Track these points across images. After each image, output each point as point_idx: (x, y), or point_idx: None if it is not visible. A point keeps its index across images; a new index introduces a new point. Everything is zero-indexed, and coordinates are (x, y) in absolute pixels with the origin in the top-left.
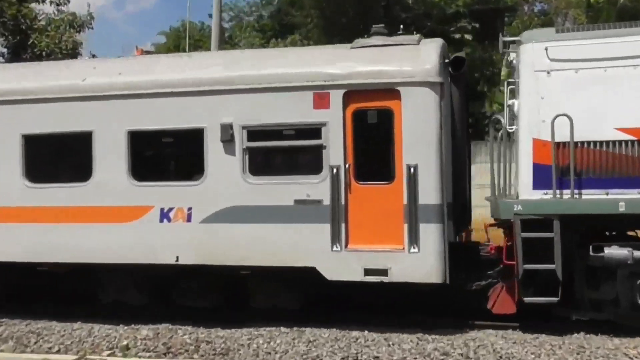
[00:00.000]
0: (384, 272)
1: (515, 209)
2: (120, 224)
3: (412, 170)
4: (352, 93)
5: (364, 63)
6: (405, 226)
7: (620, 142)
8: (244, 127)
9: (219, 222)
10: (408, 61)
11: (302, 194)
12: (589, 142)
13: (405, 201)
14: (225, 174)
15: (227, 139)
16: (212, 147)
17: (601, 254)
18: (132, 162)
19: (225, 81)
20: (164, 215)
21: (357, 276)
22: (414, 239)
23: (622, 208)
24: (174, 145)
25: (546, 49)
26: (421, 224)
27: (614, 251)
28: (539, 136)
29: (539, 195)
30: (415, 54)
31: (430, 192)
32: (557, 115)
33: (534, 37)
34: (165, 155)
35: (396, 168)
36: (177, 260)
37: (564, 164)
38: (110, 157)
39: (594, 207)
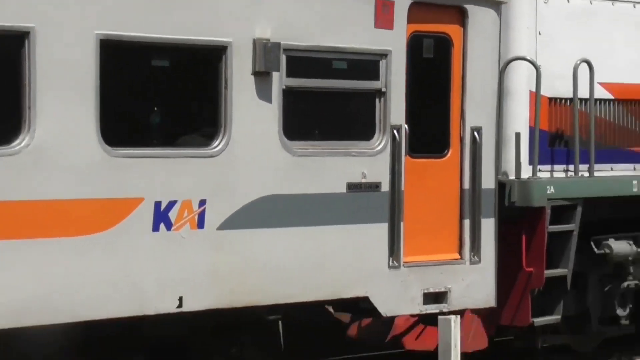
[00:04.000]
0: (442, 297)
1: (548, 192)
2: (78, 237)
3: (476, 135)
4: (416, 7)
5: None
6: (466, 223)
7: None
8: (285, 50)
9: (249, 227)
10: None
11: (356, 174)
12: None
13: (466, 184)
14: (258, 137)
15: (261, 70)
16: (240, 84)
17: (607, 251)
18: (105, 109)
19: None
20: (161, 215)
21: (416, 306)
22: (476, 243)
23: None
24: (173, 75)
25: None
26: (483, 220)
27: (620, 245)
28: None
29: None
30: None
31: (489, 170)
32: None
33: None
34: (163, 97)
35: (451, 133)
36: (179, 304)
37: (562, 129)
38: (64, 94)
39: (620, 188)
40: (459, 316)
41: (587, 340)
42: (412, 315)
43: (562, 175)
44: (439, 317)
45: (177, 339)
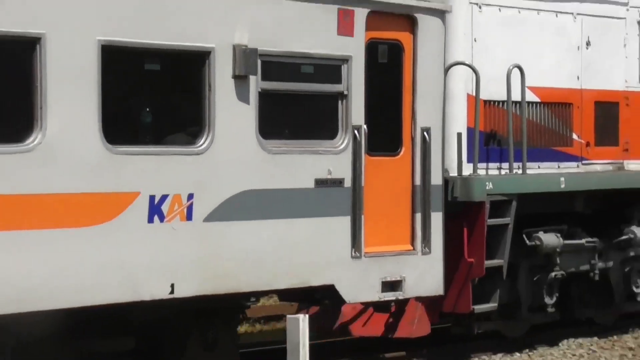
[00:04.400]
0: (398, 285)
1: (487, 188)
2: (80, 229)
3: (425, 135)
4: (373, 15)
5: None
6: (418, 217)
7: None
8: (260, 55)
9: (231, 219)
10: None
11: (323, 170)
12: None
13: (418, 180)
14: (237, 136)
15: (241, 74)
16: (222, 86)
17: (537, 243)
18: (106, 108)
19: None
20: (155, 208)
21: (375, 294)
22: (427, 235)
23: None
24: (163, 78)
25: None
26: (432, 214)
27: (549, 238)
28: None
29: (470, 169)
30: None
31: (437, 168)
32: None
33: None
34: (156, 98)
35: (403, 132)
36: (171, 291)
37: (495, 130)
38: (71, 95)
39: (549, 184)
40: (307, 315)
41: (517, 326)
42: (363, 303)
43: (496, 172)
44: (288, 316)
45: (161, 324)
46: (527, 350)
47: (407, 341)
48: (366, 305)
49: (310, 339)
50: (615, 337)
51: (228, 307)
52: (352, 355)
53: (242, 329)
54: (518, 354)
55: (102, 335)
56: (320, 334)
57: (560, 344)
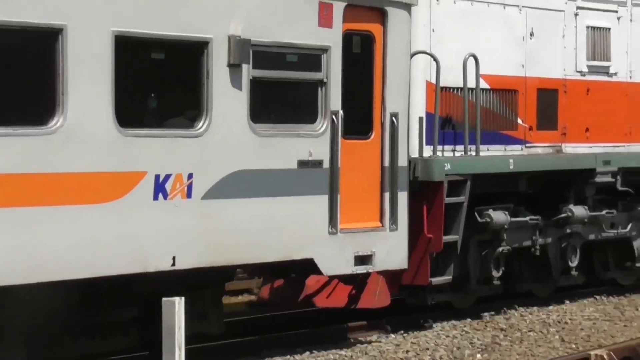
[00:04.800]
0: (368, 260)
1: (446, 168)
2: (94, 205)
3: (394, 120)
4: (348, 8)
5: None
6: (386, 196)
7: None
8: (252, 45)
9: (225, 197)
10: None
11: (305, 152)
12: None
13: (386, 162)
14: (232, 120)
15: (235, 63)
16: (219, 74)
17: (488, 220)
18: (118, 94)
19: None
20: (160, 187)
21: (349, 267)
22: (394, 213)
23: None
24: (169, 66)
25: None
26: (399, 193)
27: (498, 215)
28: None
29: (429, 151)
30: None
31: (403, 151)
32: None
33: None
34: (161, 85)
35: (374, 117)
36: (173, 263)
37: (451, 115)
38: (89, 83)
39: (500, 165)
40: (183, 298)
41: (466, 298)
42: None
43: (450, 154)
44: (163, 299)
45: (157, 296)
46: (402, 331)
47: (368, 311)
48: (339, 277)
49: (274, 310)
50: (487, 317)
51: (216, 280)
52: (316, 325)
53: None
54: (404, 334)
55: (109, 306)
56: (282, 307)
57: (434, 325)
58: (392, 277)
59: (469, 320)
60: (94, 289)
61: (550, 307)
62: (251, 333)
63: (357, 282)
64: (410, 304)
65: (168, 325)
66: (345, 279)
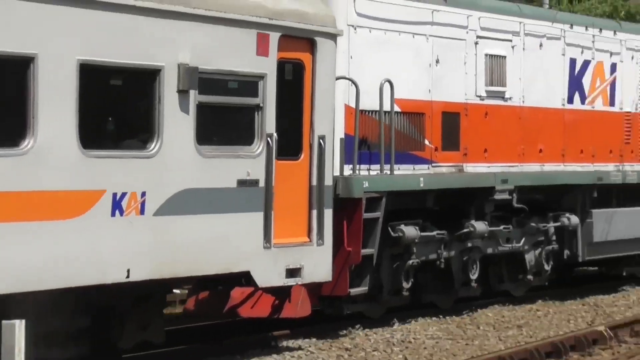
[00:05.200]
0: (298, 272)
1: (364, 186)
2: (60, 221)
3: (321, 142)
4: (283, 38)
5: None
6: (314, 213)
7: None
8: (199, 73)
9: (174, 214)
10: (321, 5)
11: (243, 172)
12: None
13: (314, 181)
14: (180, 142)
15: (184, 89)
16: (169, 99)
17: (400, 234)
18: (82, 117)
19: (187, 0)
20: (117, 204)
21: (281, 279)
22: (321, 228)
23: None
24: (125, 92)
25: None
26: (325, 210)
27: (409, 230)
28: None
29: (348, 170)
30: None
31: (329, 171)
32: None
33: None
34: (118, 109)
35: (303, 139)
36: (127, 275)
37: (367, 136)
38: (56, 106)
39: (412, 184)
40: (23, 321)
41: (378, 308)
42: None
43: (366, 173)
44: (3, 322)
45: (107, 307)
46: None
47: (291, 321)
48: (272, 289)
49: (201, 321)
50: (330, 339)
51: (163, 291)
52: (242, 334)
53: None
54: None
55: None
56: (211, 317)
57: (279, 344)
58: (312, 288)
59: (314, 339)
60: (52, 298)
61: (395, 327)
62: (193, 341)
63: (280, 293)
64: (328, 313)
65: (7, 347)
66: (269, 290)
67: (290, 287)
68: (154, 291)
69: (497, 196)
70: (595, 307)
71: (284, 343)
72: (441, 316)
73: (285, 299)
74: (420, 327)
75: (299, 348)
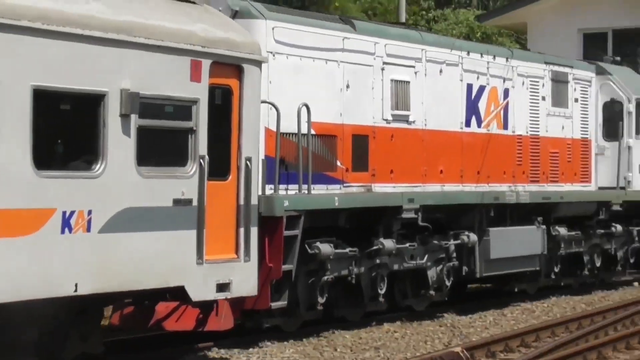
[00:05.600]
0: (227, 287)
1: (285, 205)
2: (15, 238)
3: (248, 163)
4: (214, 65)
5: (222, 28)
6: (241, 231)
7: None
8: (141, 98)
9: (118, 231)
10: (248, 34)
11: (179, 192)
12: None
13: (242, 201)
14: (122, 163)
15: (126, 113)
16: (113, 123)
17: (317, 251)
18: (35, 139)
19: (128, 28)
20: (66, 222)
21: (212, 294)
22: (247, 245)
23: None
24: (73, 116)
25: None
26: (251, 228)
27: (325, 247)
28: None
29: (269, 190)
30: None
31: (255, 190)
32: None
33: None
34: (67, 131)
35: (232, 161)
36: (75, 289)
37: (286, 157)
38: (12, 128)
39: (328, 202)
40: None
41: (294, 322)
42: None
43: (284, 192)
44: None
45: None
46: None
47: (214, 333)
48: (203, 303)
49: (126, 334)
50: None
51: (105, 305)
52: (168, 346)
53: None
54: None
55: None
56: (136, 331)
57: (206, 354)
58: (236, 302)
59: (236, 350)
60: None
61: (251, 350)
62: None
63: (205, 307)
64: (248, 327)
65: None
66: (197, 304)
67: (214, 301)
68: (97, 304)
69: (404, 215)
70: (452, 328)
71: (209, 353)
72: (298, 339)
73: (209, 312)
74: (277, 349)
75: (221, 358)
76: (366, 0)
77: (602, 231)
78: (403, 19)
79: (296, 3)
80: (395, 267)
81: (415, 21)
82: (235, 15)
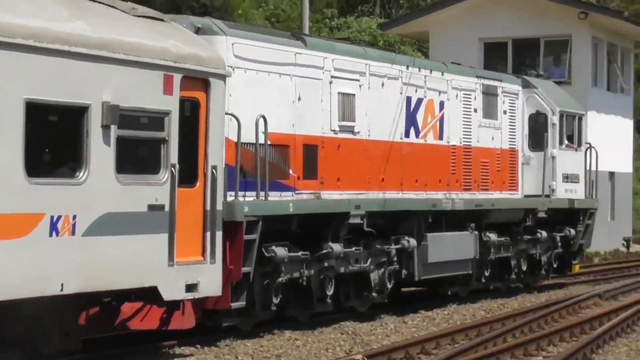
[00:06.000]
0: (194, 287)
1: (245, 211)
2: (9, 240)
3: (214, 172)
4: (184, 79)
5: (190, 44)
6: (208, 235)
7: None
8: (120, 110)
9: (98, 235)
10: (213, 49)
11: (153, 198)
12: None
13: (208, 206)
14: (103, 171)
15: (107, 124)
16: (95, 133)
17: (273, 254)
18: (27, 148)
19: (108, 45)
20: (54, 226)
21: (182, 294)
22: (213, 249)
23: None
24: (60, 126)
25: (232, 45)
26: (217, 232)
27: (280, 251)
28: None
29: (230, 197)
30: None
31: (220, 197)
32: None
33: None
34: (54, 141)
35: (199, 169)
36: (61, 289)
37: (245, 166)
38: (6, 138)
39: (284, 209)
40: None
41: (249, 321)
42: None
43: (242, 199)
44: None
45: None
46: None
47: (177, 332)
48: (174, 302)
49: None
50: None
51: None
52: (133, 345)
53: None
54: None
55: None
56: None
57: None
58: (196, 302)
59: (198, 346)
60: None
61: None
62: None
63: (168, 307)
64: (209, 325)
65: None
66: (164, 304)
67: (180, 301)
68: (79, 304)
69: (351, 220)
70: (353, 336)
71: (172, 351)
72: (199, 346)
73: (172, 312)
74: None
75: (183, 355)
76: (269, 7)
77: (529, 237)
78: (307, 26)
79: (199, 10)
80: (342, 270)
81: (319, 29)
82: (198, 31)
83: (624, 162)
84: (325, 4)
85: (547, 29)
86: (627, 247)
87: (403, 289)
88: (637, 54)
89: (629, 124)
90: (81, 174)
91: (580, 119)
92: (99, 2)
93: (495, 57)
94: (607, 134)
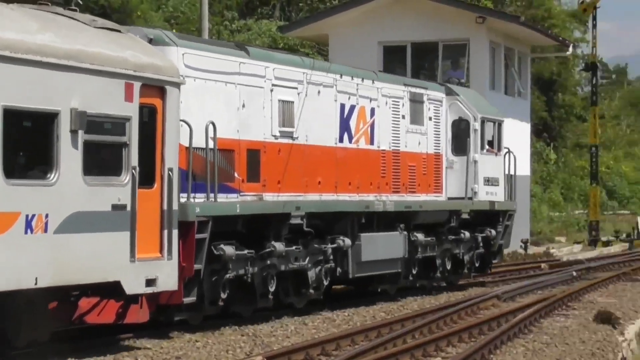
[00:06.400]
0: (153, 282)
1: (196, 211)
2: None
3: (170, 173)
4: (143, 86)
5: (147, 54)
6: (165, 233)
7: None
8: (87, 116)
9: (68, 232)
10: (168, 59)
11: (116, 199)
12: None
13: (165, 206)
14: (72, 173)
15: (75, 129)
16: (65, 137)
17: (222, 252)
18: (5, 152)
19: (75, 55)
20: (28, 224)
21: (142, 288)
22: (170, 246)
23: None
24: (34, 131)
25: (183, 56)
26: (173, 230)
27: (228, 249)
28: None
29: (182, 198)
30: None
31: (175, 197)
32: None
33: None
34: (29, 145)
35: (157, 171)
36: (35, 283)
37: (195, 169)
38: None
39: (231, 209)
40: None
41: (198, 316)
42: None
43: (192, 201)
44: None
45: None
46: None
47: (132, 325)
48: (136, 296)
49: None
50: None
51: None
52: (90, 339)
53: None
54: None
55: None
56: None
57: (127, 344)
58: (151, 297)
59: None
60: None
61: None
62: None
63: (125, 301)
64: (161, 320)
65: None
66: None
67: (136, 295)
68: (49, 297)
69: (292, 221)
70: (254, 338)
71: (128, 343)
72: (92, 348)
73: (128, 307)
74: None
75: (138, 347)
76: (169, 9)
77: (453, 237)
78: (206, 29)
79: (98, 11)
80: (283, 267)
81: (219, 31)
82: (150, 42)
83: (522, 165)
84: (225, 7)
85: (445, 33)
86: (525, 249)
87: (333, 287)
88: (534, 58)
89: (526, 127)
90: (52, 175)
91: (499, 125)
92: (62, 15)
93: (394, 60)
94: (505, 137)
